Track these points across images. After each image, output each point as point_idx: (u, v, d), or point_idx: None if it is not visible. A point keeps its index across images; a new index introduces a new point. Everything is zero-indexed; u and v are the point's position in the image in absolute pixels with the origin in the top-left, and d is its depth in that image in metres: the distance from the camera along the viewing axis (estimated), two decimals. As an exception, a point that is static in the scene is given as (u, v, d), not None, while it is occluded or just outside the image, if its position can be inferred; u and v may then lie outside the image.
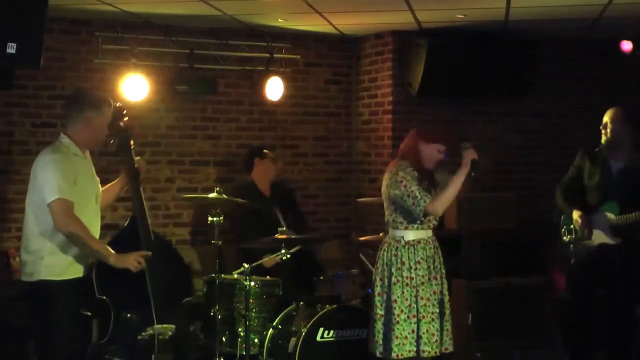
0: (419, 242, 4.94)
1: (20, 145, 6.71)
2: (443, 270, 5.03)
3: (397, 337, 4.85)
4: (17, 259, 5.51)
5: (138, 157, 5.17)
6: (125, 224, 5.16)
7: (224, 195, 5.56)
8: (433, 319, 4.90)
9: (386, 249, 4.99)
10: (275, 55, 7.23)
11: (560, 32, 7.31)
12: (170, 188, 7.21)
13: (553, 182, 6.12)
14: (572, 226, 5.78)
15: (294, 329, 5.51)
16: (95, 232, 4.77)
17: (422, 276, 4.91)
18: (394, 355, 4.85)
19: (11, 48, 4.28)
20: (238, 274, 5.61)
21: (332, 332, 5.48)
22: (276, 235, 5.71)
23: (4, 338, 5.87)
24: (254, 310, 5.56)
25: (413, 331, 4.86)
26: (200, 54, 7.00)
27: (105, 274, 4.74)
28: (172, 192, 7.19)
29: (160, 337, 4.76)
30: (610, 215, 5.61)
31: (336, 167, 7.86)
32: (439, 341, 4.92)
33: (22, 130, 6.74)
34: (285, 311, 5.65)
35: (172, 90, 7.05)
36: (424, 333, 4.85)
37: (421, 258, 4.92)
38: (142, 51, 6.79)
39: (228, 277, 5.65)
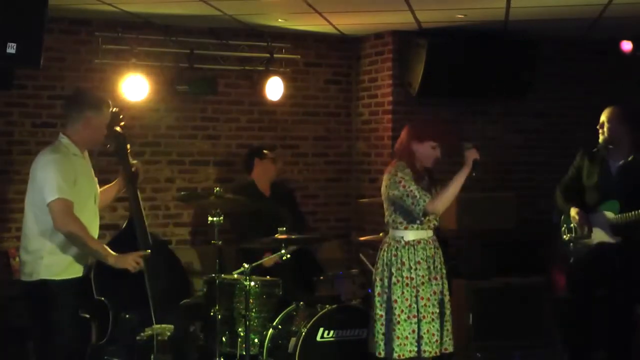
0: (418, 242, 4.93)
1: (20, 145, 6.71)
2: (444, 271, 5.03)
3: (398, 338, 4.85)
4: (17, 259, 5.50)
5: (135, 161, 5.18)
6: (123, 226, 5.16)
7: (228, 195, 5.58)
8: (433, 319, 4.90)
9: (386, 249, 4.98)
10: (275, 55, 7.23)
11: (560, 32, 7.30)
12: (170, 188, 7.21)
13: (553, 182, 6.12)
14: (572, 225, 5.78)
15: (294, 329, 5.51)
16: (94, 232, 4.78)
17: (422, 276, 4.91)
18: (395, 355, 4.85)
19: (11, 48, 4.29)
20: (238, 274, 5.61)
21: (332, 332, 5.48)
22: (276, 235, 5.71)
23: (4, 338, 5.87)
24: (254, 310, 5.56)
25: (414, 331, 4.86)
26: (200, 54, 7.00)
27: (103, 275, 4.74)
28: (172, 192, 7.19)
29: (159, 337, 4.76)
30: (610, 214, 5.61)
31: (336, 167, 7.86)
32: (439, 341, 4.92)
33: (22, 130, 6.74)
34: (285, 311, 5.65)
35: (172, 90, 7.05)
36: (424, 333, 4.85)
37: (421, 258, 4.92)
38: (142, 51, 6.79)
39: (228, 277, 5.65)
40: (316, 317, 5.44)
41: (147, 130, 7.12)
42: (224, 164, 7.39)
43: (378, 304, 4.95)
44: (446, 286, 5.02)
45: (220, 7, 6.30)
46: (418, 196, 4.81)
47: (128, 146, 5.13)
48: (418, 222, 4.91)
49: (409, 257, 4.91)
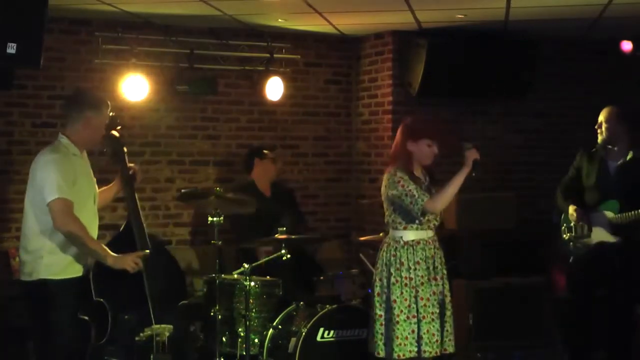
0: (418, 242, 4.92)
1: (20, 145, 6.71)
2: (444, 271, 5.00)
3: (397, 338, 4.84)
4: (17, 259, 5.51)
5: (132, 164, 5.18)
6: (122, 228, 5.16)
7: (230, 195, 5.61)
8: (433, 319, 4.89)
9: (385, 249, 4.98)
10: (275, 55, 7.23)
11: (560, 32, 7.31)
12: (170, 188, 7.21)
13: (553, 182, 6.13)
14: (571, 224, 5.78)
15: (294, 329, 5.51)
16: (94, 232, 4.78)
17: (422, 276, 4.90)
18: (395, 355, 4.84)
19: (11, 48, 4.29)
20: (238, 274, 5.61)
21: (332, 332, 5.48)
22: (276, 235, 5.71)
23: (4, 338, 5.87)
24: (254, 310, 5.56)
25: (413, 331, 4.85)
26: (200, 54, 7.00)
27: (102, 276, 4.74)
28: (172, 192, 7.19)
29: (158, 337, 4.77)
30: (610, 214, 5.61)
31: (336, 167, 7.86)
32: (439, 341, 4.91)
33: (22, 130, 6.74)
34: (285, 311, 5.64)
35: (172, 90, 7.05)
36: (424, 333, 4.84)
37: (420, 258, 4.91)
38: (142, 51, 6.79)
39: (228, 277, 5.65)
40: (316, 317, 5.44)
41: (147, 130, 7.12)
42: (224, 164, 7.39)
43: (378, 304, 4.94)
44: (447, 286, 5.00)
45: (220, 7, 6.30)
46: (416, 195, 4.80)
47: (125, 149, 5.15)
48: (417, 222, 4.90)
49: (408, 257, 4.90)
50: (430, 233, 4.97)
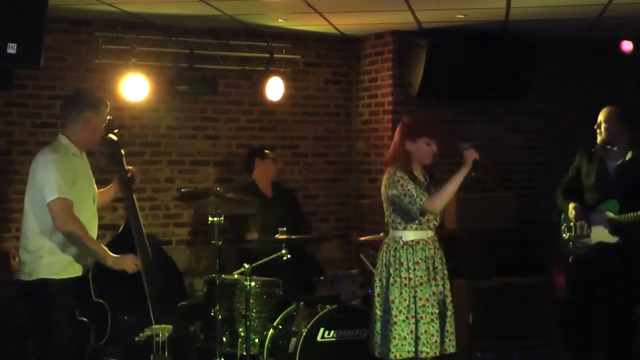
0: (417, 242, 4.91)
1: (20, 145, 6.71)
2: (445, 271, 4.99)
3: (395, 338, 4.83)
4: (17, 259, 5.51)
5: (130, 167, 5.18)
6: (120, 229, 5.16)
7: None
8: (432, 320, 4.87)
9: (385, 249, 4.97)
10: (275, 55, 7.22)
11: (560, 32, 7.30)
12: (170, 188, 7.21)
13: (553, 182, 6.12)
14: (571, 223, 5.78)
15: (294, 329, 5.51)
16: (93, 232, 4.78)
17: (421, 277, 4.89)
18: (392, 355, 4.82)
19: (11, 48, 4.29)
20: (238, 274, 5.61)
21: (332, 332, 5.48)
22: (276, 235, 5.71)
23: (4, 338, 5.87)
24: (254, 310, 5.56)
25: (411, 332, 4.84)
26: (200, 54, 7.00)
27: (102, 276, 4.74)
28: (172, 192, 7.18)
29: (158, 338, 4.76)
30: (609, 214, 5.61)
31: (336, 167, 7.86)
32: (438, 342, 4.89)
33: (22, 130, 6.74)
34: (285, 311, 5.65)
35: (172, 90, 7.05)
36: (422, 334, 4.83)
37: (420, 259, 4.89)
38: (142, 51, 6.79)
39: (228, 277, 5.65)
40: (316, 317, 5.44)
41: (147, 130, 7.12)
42: (224, 164, 7.39)
43: (377, 304, 4.93)
44: (448, 287, 4.98)
45: (220, 7, 6.30)
46: (415, 195, 4.79)
47: (123, 152, 5.15)
48: (417, 222, 4.89)
49: (407, 258, 4.89)
50: (430, 233, 4.96)
